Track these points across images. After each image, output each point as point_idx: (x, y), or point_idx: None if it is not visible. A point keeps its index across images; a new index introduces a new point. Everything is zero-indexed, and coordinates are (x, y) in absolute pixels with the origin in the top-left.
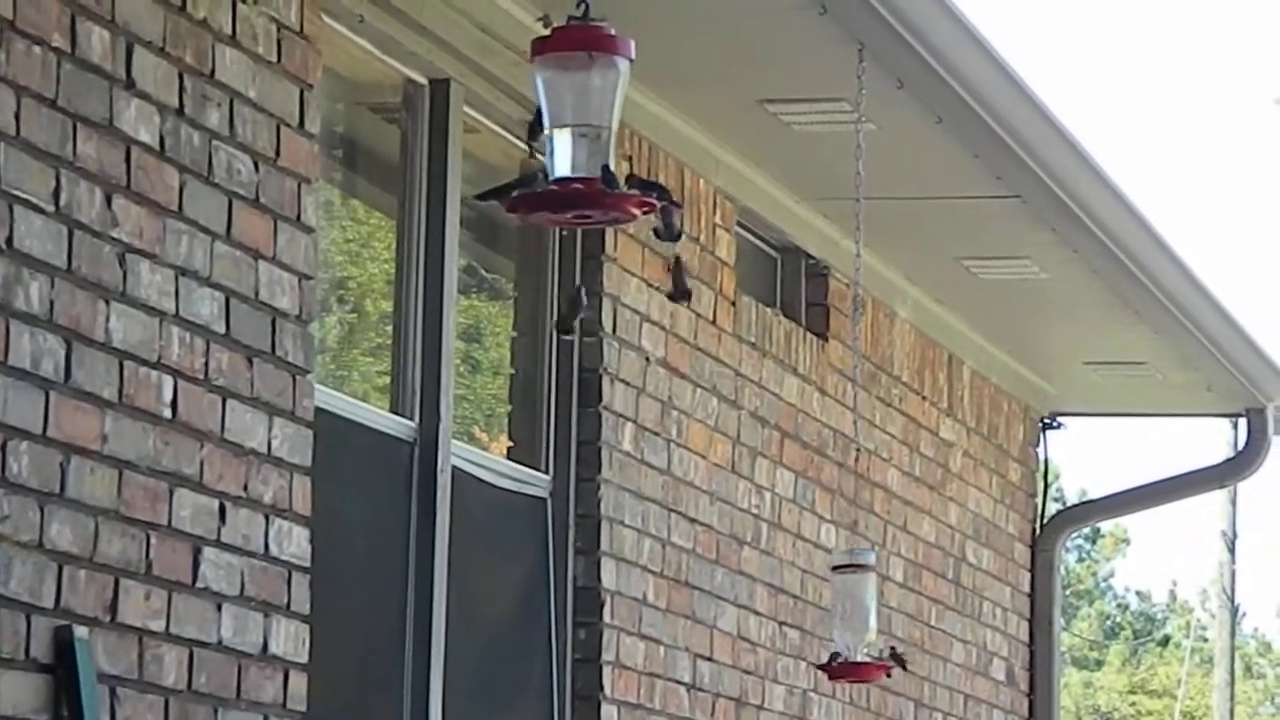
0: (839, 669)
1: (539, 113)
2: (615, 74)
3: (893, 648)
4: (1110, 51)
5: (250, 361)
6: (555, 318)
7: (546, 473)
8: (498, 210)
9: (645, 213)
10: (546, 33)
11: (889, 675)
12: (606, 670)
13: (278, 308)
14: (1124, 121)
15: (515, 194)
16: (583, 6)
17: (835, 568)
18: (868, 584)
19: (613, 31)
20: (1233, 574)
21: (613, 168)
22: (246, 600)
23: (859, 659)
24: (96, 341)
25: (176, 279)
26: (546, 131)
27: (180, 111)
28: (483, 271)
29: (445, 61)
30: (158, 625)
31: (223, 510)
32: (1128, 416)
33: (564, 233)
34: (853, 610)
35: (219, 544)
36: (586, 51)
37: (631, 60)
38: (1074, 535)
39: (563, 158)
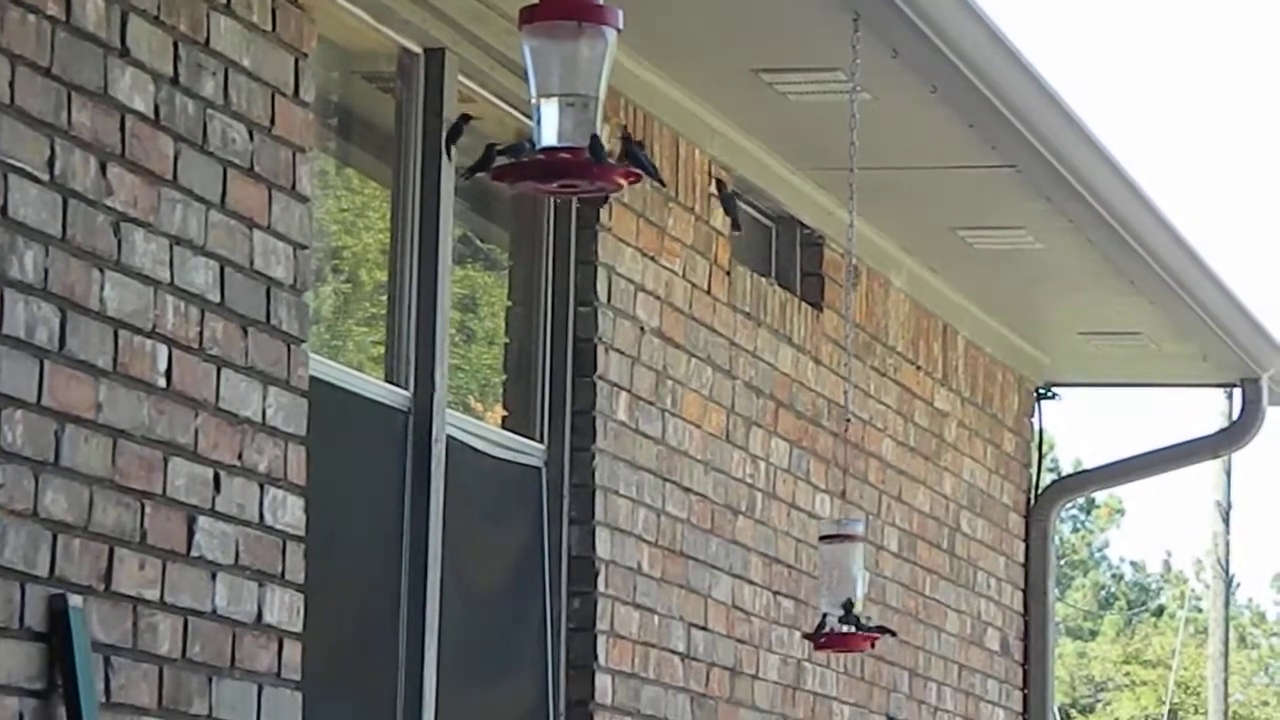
0: (826, 639)
1: (464, 118)
2: (603, 44)
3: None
4: (1105, 21)
5: (245, 331)
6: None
7: (541, 442)
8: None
9: (632, 183)
10: (535, 1)
11: (873, 646)
12: (601, 639)
13: (272, 277)
14: (1118, 91)
15: (500, 164)
16: None
17: (823, 538)
18: (855, 554)
19: (601, 1)
20: (1227, 544)
21: (601, 138)
22: (241, 569)
23: (845, 629)
24: (91, 310)
25: (171, 248)
26: (534, 100)
27: (175, 80)
28: (477, 241)
29: (440, 30)
30: (152, 594)
31: (217, 479)
32: (1123, 387)
33: (557, 202)
34: (840, 580)
35: (213, 513)
36: (575, 21)
37: (620, 30)
38: (1068, 505)
39: (549, 127)
